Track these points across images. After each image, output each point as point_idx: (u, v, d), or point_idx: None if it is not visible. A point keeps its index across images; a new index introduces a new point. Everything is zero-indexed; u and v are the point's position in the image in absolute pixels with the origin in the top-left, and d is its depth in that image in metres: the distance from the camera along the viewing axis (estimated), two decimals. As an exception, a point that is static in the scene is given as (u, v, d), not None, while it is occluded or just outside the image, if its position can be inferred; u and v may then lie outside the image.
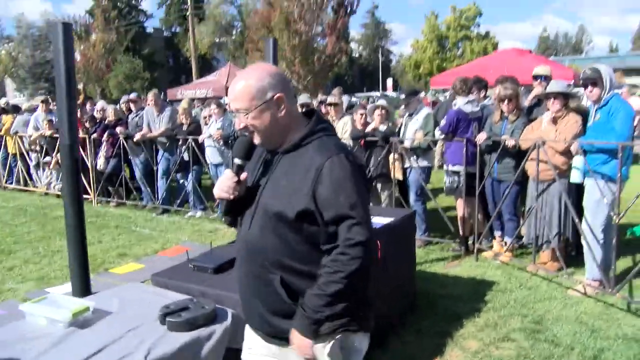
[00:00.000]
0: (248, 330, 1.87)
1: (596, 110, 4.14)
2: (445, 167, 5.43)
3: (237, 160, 1.74)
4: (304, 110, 1.80)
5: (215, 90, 15.28)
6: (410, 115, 5.74)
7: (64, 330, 2.18)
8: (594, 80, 4.00)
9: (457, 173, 5.23)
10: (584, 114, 4.50)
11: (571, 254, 4.77)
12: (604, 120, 4.03)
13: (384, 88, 33.11)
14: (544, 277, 4.54)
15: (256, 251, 1.67)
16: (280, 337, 1.70)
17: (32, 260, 5.60)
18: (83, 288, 2.86)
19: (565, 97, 4.48)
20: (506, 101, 4.82)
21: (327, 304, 1.56)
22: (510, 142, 4.73)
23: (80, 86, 30.74)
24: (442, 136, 5.19)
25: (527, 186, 4.85)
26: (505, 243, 5.16)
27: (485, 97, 5.51)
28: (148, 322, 2.24)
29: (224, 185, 1.73)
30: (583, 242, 4.24)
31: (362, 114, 6.27)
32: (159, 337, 2.11)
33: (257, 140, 1.70)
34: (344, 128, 6.03)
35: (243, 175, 1.72)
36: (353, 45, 55.07)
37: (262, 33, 19.20)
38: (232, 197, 1.72)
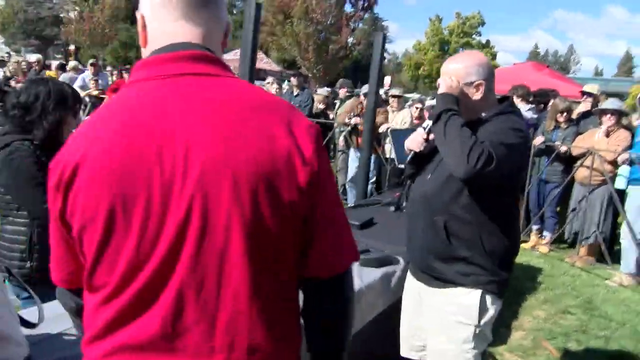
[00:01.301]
0: (409, 270, 2.36)
1: (646, 126, 4.83)
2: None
3: (429, 122, 2.11)
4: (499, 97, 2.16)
5: (236, 69, 15.67)
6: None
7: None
8: (654, 103, 4.70)
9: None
10: (632, 131, 5.19)
11: (606, 250, 5.45)
12: (654, 137, 4.73)
13: (382, 84, 33.72)
14: (582, 268, 5.24)
15: (431, 200, 2.05)
16: (429, 274, 2.12)
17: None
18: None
19: (619, 114, 5.15)
20: (565, 113, 5.48)
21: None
22: (563, 148, 5.39)
23: (72, 47, 30.34)
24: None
25: (572, 188, 5.54)
26: (543, 236, 5.86)
27: (543, 110, 6.13)
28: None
29: (415, 138, 2.14)
30: (622, 240, 4.94)
31: (417, 108, 6.87)
32: (357, 269, 2.66)
33: None
34: (403, 120, 6.61)
35: (431, 136, 2.08)
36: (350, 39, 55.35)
37: (280, 18, 19.66)
38: (418, 150, 2.13)
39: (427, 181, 2.11)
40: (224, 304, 0.91)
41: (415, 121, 6.77)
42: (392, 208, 3.91)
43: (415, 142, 2.16)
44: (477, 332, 2.07)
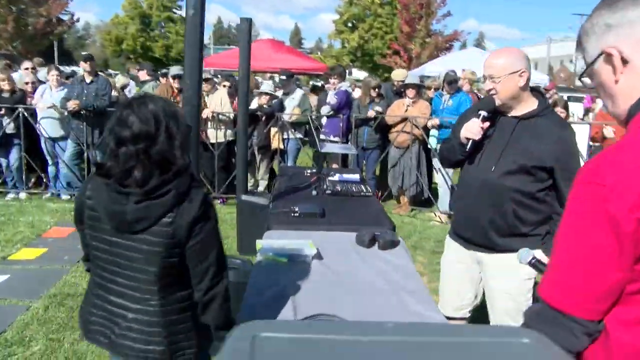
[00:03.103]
0: (451, 242, 2.72)
1: (449, 98, 6.07)
2: (325, 137, 6.62)
3: (483, 112, 2.41)
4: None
5: None
6: (286, 94, 6.67)
7: (319, 262, 2.59)
8: (457, 80, 5.94)
9: (336, 142, 6.51)
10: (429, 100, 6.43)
11: (422, 198, 6.66)
12: (455, 105, 6.00)
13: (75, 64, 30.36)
14: (408, 215, 6.32)
15: (497, 187, 2.34)
16: (489, 247, 2.43)
17: None
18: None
19: (419, 87, 6.29)
20: (376, 89, 6.35)
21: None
22: (371, 113, 6.28)
23: None
24: (331, 112, 6.37)
25: (389, 151, 6.53)
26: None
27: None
28: (358, 248, 2.85)
29: (472, 128, 2.36)
30: (439, 188, 6.17)
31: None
32: (382, 254, 2.79)
33: (497, 101, 2.39)
34: (222, 100, 6.49)
35: (486, 124, 2.41)
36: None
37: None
38: (477, 138, 2.39)
39: (491, 171, 2.38)
40: None
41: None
42: (314, 192, 4.00)
43: (473, 131, 2.39)
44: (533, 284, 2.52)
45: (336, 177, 4.44)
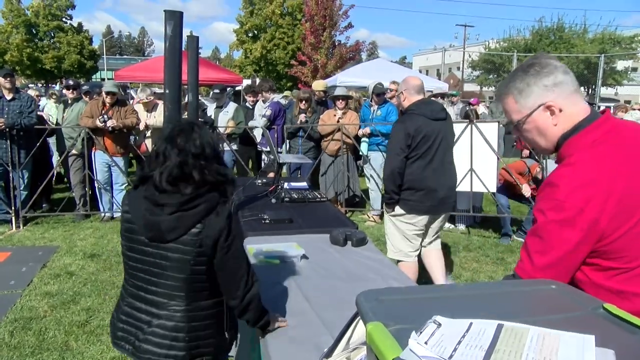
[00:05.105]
0: None
1: (378, 108, 6.58)
2: (262, 148, 6.86)
3: None
4: None
5: None
6: (220, 107, 6.82)
7: (307, 260, 2.88)
8: (385, 92, 6.46)
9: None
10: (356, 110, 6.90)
11: (354, 201, 7.11)
12: (384, 114, 6.53)
13: None
14: (343, 219, 6.74)
15: None
16: None
17: None
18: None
19: (347, 99, 6.74)
20: (305, 101, 6.71)
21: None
22: (303, 118, 6.64)
23: None
24: (267, 123, 6.62)
25: (321, 158, 6.92)
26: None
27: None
28: (334, 247, 3.17)
29: None
30: (371, 191, 6.66)
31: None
32: (356, 250, 3.14)
33: None
34: (158, 118, 6.51)
35: None
36: None
37: None
38: None
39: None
40: None
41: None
42: (273, 200, 4.26)
43: None
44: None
45: (286, 186, 4.74)
